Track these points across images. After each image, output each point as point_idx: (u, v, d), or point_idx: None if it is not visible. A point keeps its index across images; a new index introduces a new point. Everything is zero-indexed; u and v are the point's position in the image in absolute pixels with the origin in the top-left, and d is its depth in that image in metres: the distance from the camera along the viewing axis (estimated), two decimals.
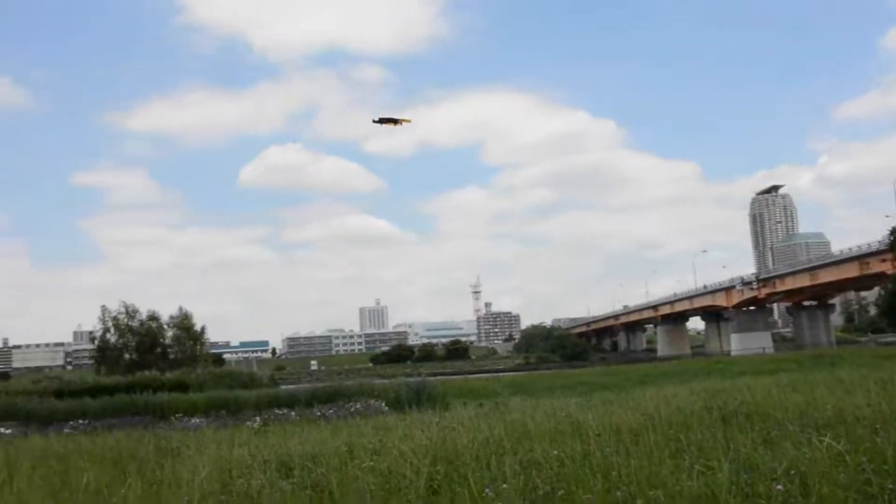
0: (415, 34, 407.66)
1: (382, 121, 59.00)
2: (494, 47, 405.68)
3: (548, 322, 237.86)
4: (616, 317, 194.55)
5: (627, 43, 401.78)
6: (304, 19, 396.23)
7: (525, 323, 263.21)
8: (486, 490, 7.75)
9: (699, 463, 8.36)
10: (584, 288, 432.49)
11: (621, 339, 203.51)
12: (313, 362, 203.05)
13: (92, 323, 79.10)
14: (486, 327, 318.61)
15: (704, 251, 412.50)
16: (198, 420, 26.17)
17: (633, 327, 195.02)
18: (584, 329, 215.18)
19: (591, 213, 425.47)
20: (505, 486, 7.88)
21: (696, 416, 12.85)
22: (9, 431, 25.60)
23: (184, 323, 73.78)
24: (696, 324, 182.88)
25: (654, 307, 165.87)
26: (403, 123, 58.62)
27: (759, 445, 9.35)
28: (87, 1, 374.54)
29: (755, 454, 8.72)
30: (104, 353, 72.50)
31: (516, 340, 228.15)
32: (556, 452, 9.57)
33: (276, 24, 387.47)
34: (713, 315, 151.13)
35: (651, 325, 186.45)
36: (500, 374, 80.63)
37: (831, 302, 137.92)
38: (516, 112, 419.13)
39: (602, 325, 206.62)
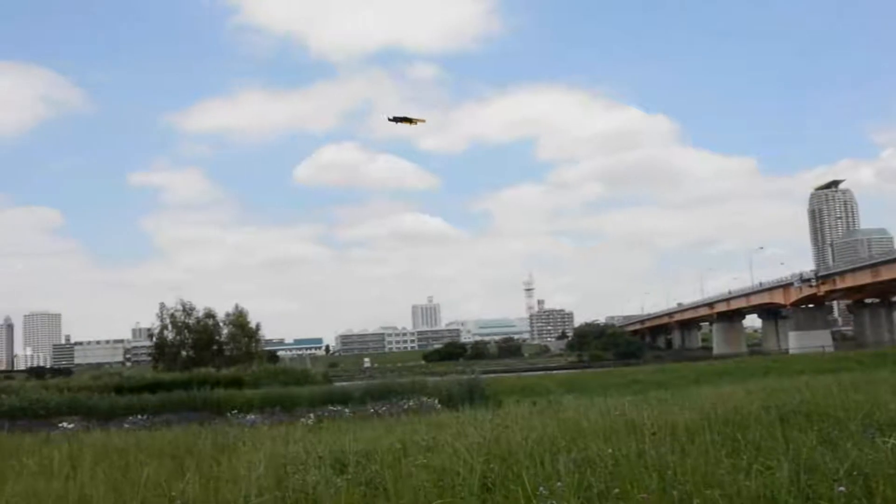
0: (467, 32, 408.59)
1: (397, 119, 58.07)
2: (546, 45, 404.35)
3: (601, 319, 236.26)
4: (670, 314, 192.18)
5: (680, 38, 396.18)
6: (358, 19, 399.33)
7: (578, 320, 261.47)
8: (540, 488, 7.71)
9: (757, 463, 8.24)
10: (638, 285, 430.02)
11: (676, 336, 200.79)
12: (366, 360, 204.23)
13: (150, 320, 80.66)
14: (538, 325, 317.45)
15: (761, 248, 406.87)
16: (253, 416, 26.47)
17: (688, 325, 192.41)
18: (638, 327, 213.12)
19: (646, 209, 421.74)
20: (559, 484, 7.84)
21: (753, 416, 12.63)
22: (71, 426, 26.24)
23: (239, 320, 74.62)
24: (752, 322, 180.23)
25: (710, 304, 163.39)
26: (418, 123, 57.59)
27: (819, 446, 9.15)
28: (145, 3, 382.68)
29: (815, 454, 8.54)
30: (162, 350, 73.70)
31: (569, 338, 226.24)
32: (610, 451, 9.48)
33: (332, 24, 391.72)
34: (770, 313, 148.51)
35: (706, 323, 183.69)
36: (553, 371, 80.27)
37: (894, 299, 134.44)
38: (568, 109, 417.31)
39: (656, 322, 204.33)
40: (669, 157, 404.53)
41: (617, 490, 7.68)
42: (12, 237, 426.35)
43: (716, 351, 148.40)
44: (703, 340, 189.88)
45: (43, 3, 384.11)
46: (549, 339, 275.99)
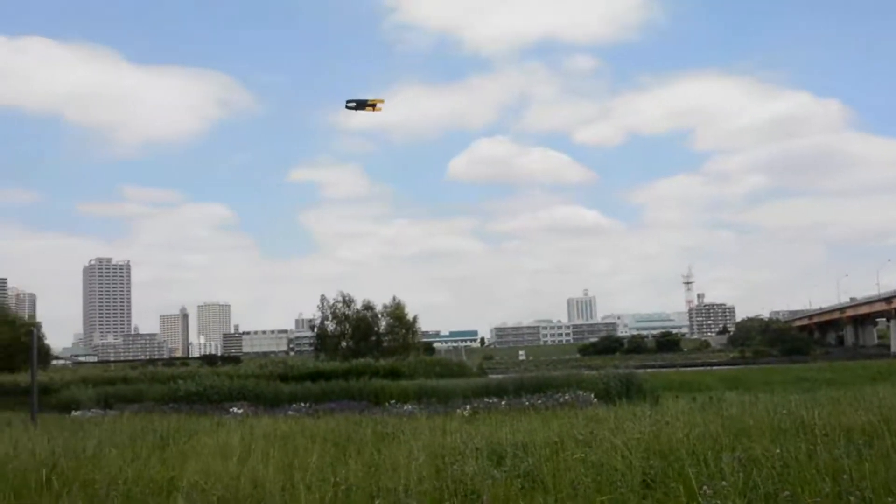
0: (626, 20, 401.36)
1: (354, 104, 52.98)
2: (708, 30, 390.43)
3: (765, 314, 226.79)
4: (842, 309, 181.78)
5: (853, 17, 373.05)
6: (514, 12, 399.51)
7: (740, 315, 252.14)
8: (703, 487, 7.45)
9: None
10: (804, 278, 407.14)
11: (848, 333, 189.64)
12: (521, 352, 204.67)
13: (312, 311, 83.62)
14: (698, 319, 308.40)
15: None
16: (410, 406, 26.90)
17: (862, 321, 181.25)
18: (805, 322, 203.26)
19: (813, 198, 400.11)
20: (723, 483, 7.56)
21: None
22: (240, 411, 27.66)
23: (397, 312, 76.21)
24: None
25: (887, 299, 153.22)
26: (377, 105, 52.21)
27: None
28: (306, 5, 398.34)
29: None
30: (323, 341, 76.26)
31: (731, 333, 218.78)
32: (777, 451, 9.05)
33: (487, 18, 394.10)
34: None
35: (883, 319, 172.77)
36: (714, 367, 77.85)
37: None
38: (730, 96, 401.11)
39: (826, 318, 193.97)
40: (841, 143, 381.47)
41: (787, 493, 7.30)
42: (188, 233, 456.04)
43: (893, 349, 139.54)
44: (880, 338, 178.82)
45: (215, 13, 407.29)
46: (709, 334, 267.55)
